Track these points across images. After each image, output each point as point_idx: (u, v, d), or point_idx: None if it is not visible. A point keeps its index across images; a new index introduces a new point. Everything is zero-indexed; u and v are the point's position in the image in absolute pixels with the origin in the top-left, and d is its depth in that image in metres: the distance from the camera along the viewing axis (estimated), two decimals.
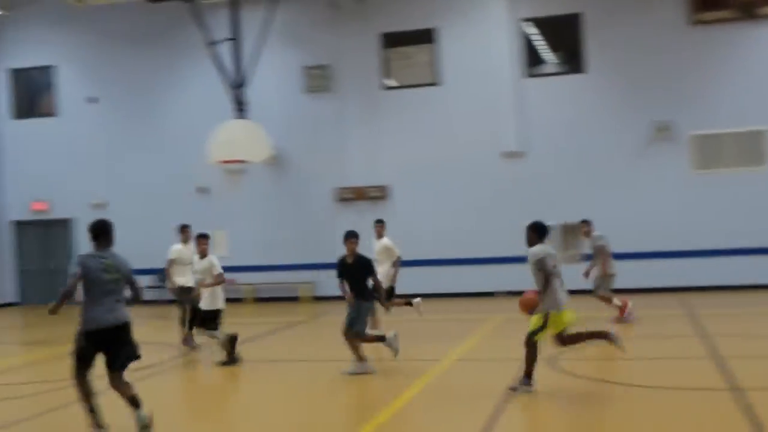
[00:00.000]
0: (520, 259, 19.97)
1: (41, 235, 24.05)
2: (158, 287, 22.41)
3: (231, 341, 12.11)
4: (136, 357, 7.87)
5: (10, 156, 24.15)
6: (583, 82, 20.75)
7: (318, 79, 21.86)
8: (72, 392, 8.14)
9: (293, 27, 21.93)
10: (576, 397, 9.38)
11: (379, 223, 15.13)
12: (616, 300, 15.06)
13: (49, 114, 24.17)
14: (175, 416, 9.52)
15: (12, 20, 23.40)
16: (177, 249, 14.56)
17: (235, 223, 22.13)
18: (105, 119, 23.43)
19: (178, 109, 22.81)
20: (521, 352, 9.47)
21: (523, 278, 18.56)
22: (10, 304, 23.78)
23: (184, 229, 14.83)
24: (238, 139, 19.57)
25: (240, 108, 20.69)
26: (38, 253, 24.08)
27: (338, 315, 18.36)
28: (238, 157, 19.65)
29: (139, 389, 8.08)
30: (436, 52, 21.46)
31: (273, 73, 21.81)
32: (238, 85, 20.72)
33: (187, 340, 13.63)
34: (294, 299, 21.56)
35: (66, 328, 18.94)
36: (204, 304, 12.34)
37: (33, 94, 24.76)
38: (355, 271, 11.24)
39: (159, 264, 22.11)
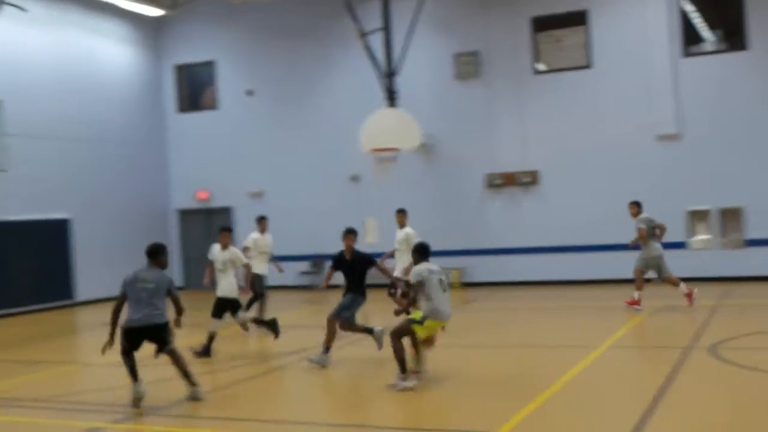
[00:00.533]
0: (679, 245, 19.49)
1: (203, 223, 25.21)
2: (311, 273, 23.09)
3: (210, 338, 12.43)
4: (166, 344, 9.43)
5: (175, 148, 25.42)
6: (744, 60, 19.75)
7: (468, 65, 21.81)
8: (242, 371, 8.43)
9: (443, 14, 21.97)
10: (737, 387, 9.03)
11: (401, 212, 15.05)
12: (636, 294, 15.23)
13: (210, 107, 25.28)
14: (333, 393, 9.78)
15: (176, 19, 24.58)
16: (253, 238, 15.47)
17: (386, 210, 22.34)
18: (261, 111, 24.28)
19: (330, 99, 23.33)
20: (676, 340, 9.18)
21: (682, 264, 18.16)
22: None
23: (261, 220, 15.71)
24: (390, 128, 19.80)
25: (391, 96, 20.95)
26: (201, 240, 25.24)
27: (488, 301, 18.46)
28: (390, 145, 19.87)
29: (297, 370, 8.35)
30: (587, 34, 20.98)
31: (423, 61, 21.94)
32: (389, 74, 20.99)
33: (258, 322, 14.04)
34: None
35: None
36: (222, 292, 12.74)
37: (195, 89, 25.97)
38: (352, 267, 11.39)
39: (311, 250, 22.92)
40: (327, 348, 11.10)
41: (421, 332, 9.65)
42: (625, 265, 20.16)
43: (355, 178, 22.89)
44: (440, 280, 9.70)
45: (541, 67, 21.57)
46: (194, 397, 9.33)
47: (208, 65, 25.15)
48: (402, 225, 14.80)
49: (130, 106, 24.30)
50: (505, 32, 21.42)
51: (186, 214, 25.48)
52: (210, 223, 25.08)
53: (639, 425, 7.53)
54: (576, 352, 11.45)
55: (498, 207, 21.66)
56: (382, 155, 20.20)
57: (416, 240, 13.63)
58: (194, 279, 25.08)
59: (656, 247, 15.38)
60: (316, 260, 23.14)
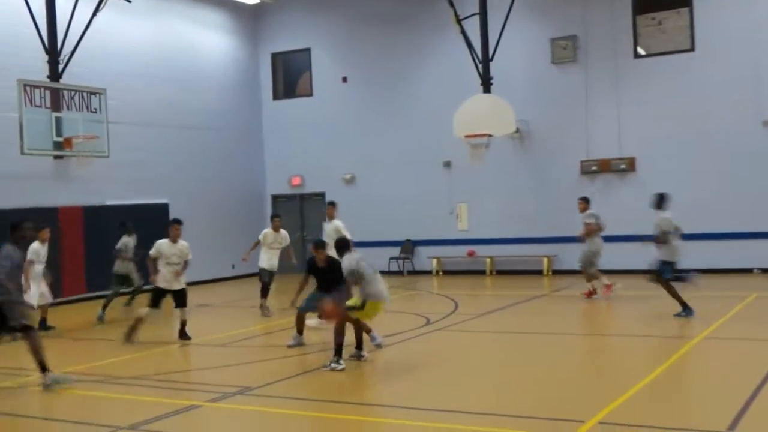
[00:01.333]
0: None
1: (296, 208, 25.52)
2: (402, 258, 23.10)
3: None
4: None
5: (270, 135, 25.78)
6: None
7: (565, 50, 21.39)
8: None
9: None
10: None
11: (331, 205, 15.12)
12: (604, 279, 16.40)
13: (304, 94, 25.52)
14: (419, 377, 9.78)
15: (273, 8, 24.88)
16: (264, 233, 16.28)
17: (478, 196, 22.29)
18: (354, 98, 24.38)
19: (424, 85, 23.25)
20: None
21: None
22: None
23: (274, 218, 16.62)
24: (484, 113, 19.63)
25: (486, 82, 20.76)
26: (293, 224, 25.57)
27: (579, 290, 18.13)
28: (483, 131, 19.71)
29: (392, 352, 8.34)
30: (691, 16, 20.30)
31: (519, 46, 21.64)
32: (484, 60, 20.80)
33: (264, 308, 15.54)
34: (534, 272, 21.39)
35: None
36: (173, 285, 12.93)
37: (291, 76, 26.26)
38: (326, 273, 11.43)
39: (402, 236, 22.87)
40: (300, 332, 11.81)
41: (364, 316, 10.32)
42: (724, 254, 19.64)
43: (447, 165, 22.78)
44: (369, 265, 10.37)
45: (641, 51, 21.00)
46: None
47: (304, 53, 25.38)
48: (331, 218, 14.92)
49: (227, 93, 24.74)
50: (605, 15, 20.93)
51: (279, 200, 25.83)
52: (302, 209, 25.40)
53: (737, 418, 7.27)
54: (671, 343, 11.15)
55: (593, 194, 21.19)
56: (475, 141, 20.05)
57: (345, 233, 14.02)
58: (284, 263, 25.43)
59: (600, 242, 16.40)
60: (407, 246, 23.15)
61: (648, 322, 13.66)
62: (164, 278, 12.88)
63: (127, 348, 12.48)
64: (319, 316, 11.22)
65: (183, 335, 12.92)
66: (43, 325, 14.02)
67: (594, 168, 20.99)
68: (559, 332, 12.70)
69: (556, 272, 21.31)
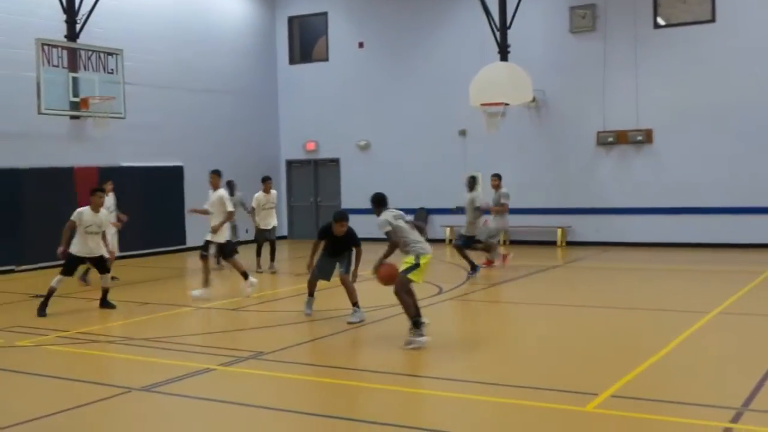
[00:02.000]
0: None
1: (310, 174, 25.51)
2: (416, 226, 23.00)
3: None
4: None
5: (285, 99, 25.69)
6: None
7: (584, 19, 21.16)
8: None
9: None
10: None
11: (215, 173, 15.12)
12: (501, 249, 17.61)
13: (320, 59, 25.38)
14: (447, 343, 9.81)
15: None
16: (256, 197, 17.31)
17: (493, 165, 22.11)
18: (371, 64, 24.23)
19: (440, 52, 23.08)
20: None
21: None
22: (280, 237, 25.52)
23: (266, 181, 17.42)
24: (500, 82, 19.48)
25: (503, 50, 20.59)
26: (306, 190, 25.58)
27: (593, 261, 18.12)
28: (500, 99, 19.57)
29: (404, 320, 8.32)
30: None
31: (537, 14, 21.44)
32: (502, 27, 20.61)
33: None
34: (548, 243, 21.36)
35: None
36: (93, 252, 12.66)
37: (307, 41, 26.11)
38: (340, 240, 11.45)
39: (417, 203, 22.82)
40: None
41: (418, 277, 9.62)
42: (741, 229, 19.55)
43: (462, 133, 22.68)
44: (406, 221, 9.96)
45: (661, 21, 20.75)
46: None
47: (321, 17, 25.20)
48: (215, 187, 14.82)
49: (243, 57, 24.64)
50: None
51: (293, 165, 25.81)
52: (316, 174, 25.38)
53: (752, 394, 7.27)
54: (685, 317, 11.13)
55: (608, 165, 21.13)
56: (491, 110, 19.93)
57: (229, 203, 14.03)
58: (297, 228, 25.56)
59: (508, 220, 17.29)
60: (421, 213, 23.12)
61: (662, 295, 13.64)
62: (83, 246, 12.33)
63: (141, 309, 12.57)
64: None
65: (105, 303, 12.61)
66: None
67: (610, 139, 20.85)
68: (572, 304, 12.70)
69: (570, 243, 21.28)
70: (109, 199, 15.14)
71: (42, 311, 12.07)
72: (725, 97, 19.68)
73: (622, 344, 9.84)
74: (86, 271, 15.19)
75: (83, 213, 12.37)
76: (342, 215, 11.47)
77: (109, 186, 15.29)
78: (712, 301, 12.24)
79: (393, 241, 9.71)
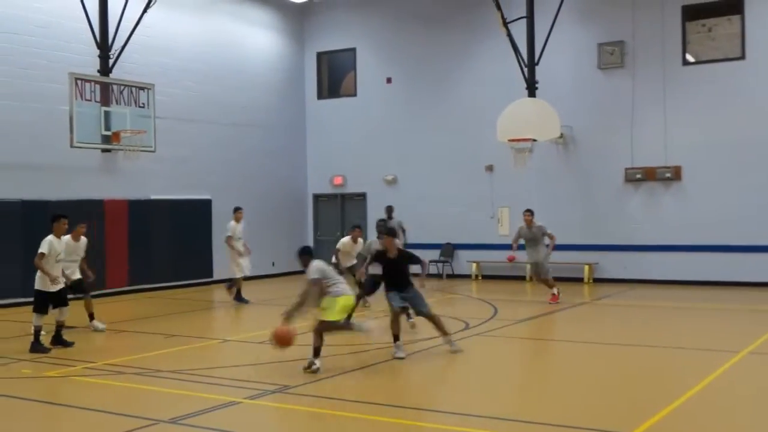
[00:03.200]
0: None
1: (336, 208, 25.59)
2: (442, 262, 23.03)
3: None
4: None
5: (313, 134, 25.87)
6: None
7: (612, 55, 21.18)
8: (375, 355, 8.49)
9: (588, 3, 21.43)
10: None
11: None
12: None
13: (348, 94, 25.58)
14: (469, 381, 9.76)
15: (320, 6, 24.97)
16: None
17: (519, 200, 22.13)
18: (398, 98, 24.37)
19: (468, 87, 23.17)
20: None
21: None
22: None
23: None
24: (528, 117, 19.51)
25: (531, 86, 20.64)
26: (333, 224, 25.65)
27: (621, 299, 17.97)
28: (527, 135, 19.60)
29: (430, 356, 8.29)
30: (742, 24, 19.99)
31: (566, 50, 21.47)
32: (530, 63, 20.68)
33: None
34: (576, 280, 21.22)
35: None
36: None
37: (335, 76, 26.33)
38: (398, 263, 11.53)
39: (443, 239, 22.77)
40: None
41: (337, 316, 10.30)
42: None
43: (489, 168, 22.69)
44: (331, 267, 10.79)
45: (690, 57, 20.73)
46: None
47: (349, 52, 25.43)
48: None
49: (272, 91, 24.89)
50: (654, 21, 20.68)
51: (320, 199, 25.92)
52: (343, 209, 25.47)
53: None
54: (715, 356, 10.99)
55: (636, 202, 21.02)
56: (518, 145, 19.95)
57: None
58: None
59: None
60: (447, 248, 23.09)
61: (691, 334, 13.49)
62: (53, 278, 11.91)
63: (168, 342, 12.62)
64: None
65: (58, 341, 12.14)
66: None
67: (638, 176, 20.76)
68: (599, 341, 12.59)
69: (597, 280, 21.13)
70: (239, 226, 17.39)
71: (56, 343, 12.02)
72: (755, 134, 19.56)
73: (651, 383, 9.72)
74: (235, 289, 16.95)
75: (57, 242, 12.14)
76: (389, 229, 12.08)
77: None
78: (742, 340, 12.08)
79: (309, 291, 10.30)
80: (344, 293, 10.35)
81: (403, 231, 19.60)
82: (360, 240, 16.19)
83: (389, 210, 20.33)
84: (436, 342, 11.96)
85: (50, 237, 12.16)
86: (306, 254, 10.65)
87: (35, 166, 18.04)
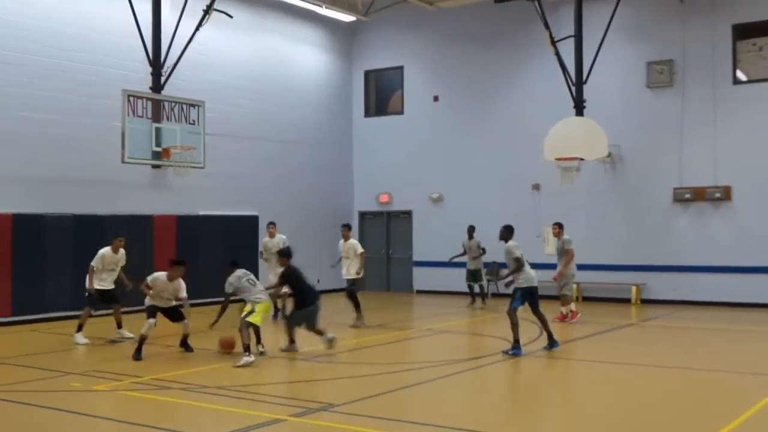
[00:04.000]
0: None
1: (382, 226, 25.66)
2: (488, 280, 22.88)
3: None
4: None
5: (360, 152, 26.01)
6: None
7: (661, 74, 21.00)
8: (414, 375, 8.51)
9: (637, 22, 21.30)
10: None
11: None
12: (572, 305, 17.20)
13: (395, 112, 25.68)
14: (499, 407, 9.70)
15: (368, 25, 25.13)
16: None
17: (566, 219, 21.85)
18: (445, 117, 24.41)
19: (515, 106, 23.13)
20: None
21: None
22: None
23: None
24: (576, 136, 19.42)
25: (579, 105, 20.54)
26: (378, 242, 25.71)
27: (669, 320, 17.72)
28: (575, 154, 19.50)
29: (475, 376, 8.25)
30: None
31: (614, 69, 21.35)
32: (577, 82, 20.59)
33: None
34: (622, 300, 20.98)
35: (402, 314, 20.08)
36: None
37: (382, 94, 26.48)
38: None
39: (489, 257, 22.58)
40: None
41: (255, 319, 12.53)
42: None
43: (536, 187, 22.59)
44: (248, 279, 12.96)
45: (741, 76, 20.47)
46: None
47: (396, 71, 25.55)
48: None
49: (321, 109, 25.10)
50: (704, 40, 20.49)
51: (366, 216, 26.01)
52: (389, 226, 25.52)
53: None
54: (765, 381, 10.78)
55: (685, 222, 20.76)
56: (565, 164, 19.85)
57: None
58: (369, 280, 25.63)
59: (575, 266, 17.43)
60: (493, 267, 22.94)
61: (740, 357, 13.25)
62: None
63: (215, 358, 12.75)
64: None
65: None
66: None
67: (687, 196, 20.51)
68: (646, 363, 12.43)
69: (644, 301, 20.87)
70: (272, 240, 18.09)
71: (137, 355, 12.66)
72: None
73: (699, 408, 9.57)
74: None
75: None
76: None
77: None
78: None
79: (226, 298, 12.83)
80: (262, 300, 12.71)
81: (483, 250, 19.86)
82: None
83: (471, 230, 20.69)
84: (484, 360, 11.92)
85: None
86: (283, 256, 13.41)
87: (87, 181, 18.42)
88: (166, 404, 9.72)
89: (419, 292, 24.47)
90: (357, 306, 16.62)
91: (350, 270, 16.81)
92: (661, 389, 10.66)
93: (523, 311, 13.30)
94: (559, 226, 17.44)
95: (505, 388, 10.28)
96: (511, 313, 13.00)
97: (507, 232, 13.70)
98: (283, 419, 8.78)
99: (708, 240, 20.42)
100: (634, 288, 20.96)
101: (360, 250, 16.83)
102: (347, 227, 17.52)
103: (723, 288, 20.12)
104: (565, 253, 17.02)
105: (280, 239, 18.03)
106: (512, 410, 9.38)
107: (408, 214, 25.06)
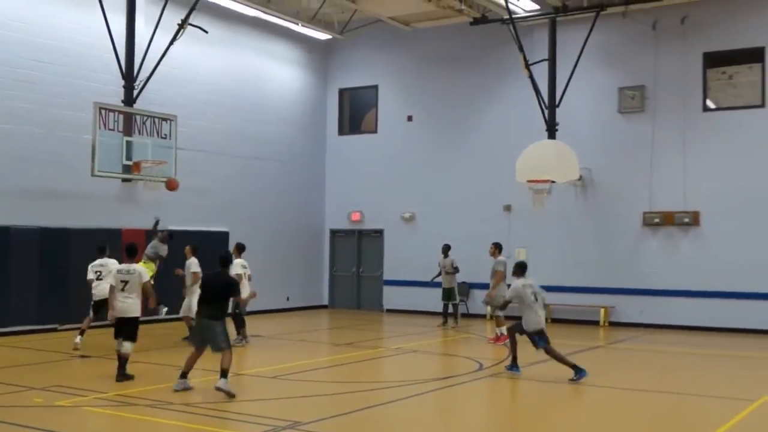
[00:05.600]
0: None
1: (353, 244, 25.61)
2: (459, 301, 22.88)
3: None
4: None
5: (332, 170, 25.97)
6: None
7: (633, 99, 21.23)
8: (378, 395, 8.47)
9: (610, 47, 21.52)
10: None
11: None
12: (503, 328, 15.98)
13: (369, 131, 25.71)
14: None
15: (344, 44, 25.13)
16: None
17: (537, 241, 22.11)
18: (419, 137, 24.47)
19: (488, 127, 23.23)
20: None
21: None
22: (322, 307, 25.57)
23: (237, 247, 17.20)
24: (547, 159, 19.55)
25: (551, 128, 20.70)
26: (349, 261, 25.65)
27: (636, 343, 17.82)
28: (547, 176, 19.63)
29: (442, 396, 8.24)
30: (762, 72, 19.99)
31: (586, 93, 21.54)
32: (550, 105, 20.75)
33: None
34: (591, 323, 21.07)
35: (371, 333, 20.03)
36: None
37: (357, 112, 26.50)
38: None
39: (460, 277, 22.66)
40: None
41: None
42: None
43: (507, 208, 22.68)
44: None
45: (711, 104, 20.74)
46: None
47: (371, 90, 25.60)
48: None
49: (294, 126, 25.06)
50: (675, 67, 20.76)
51: (337, 234, 25.95)
52: (360, 245, 25.47)
53: None
54: (731, 404, 10.87)
55: (654, 246, 20.92)
56: (537, 186, 19.96)
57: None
58: (338, 298, 25.59)
59: (505, 287, 16.60)
60: (463, 287, 22.98)
61: (707, 381, 13.34)
62: None
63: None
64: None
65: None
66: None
67: (656, 220, 20.69)
68: (612, 386, 12.47)
69: (613, 324, 20.98)
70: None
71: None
72: None
73: (665, 430, 9.60)
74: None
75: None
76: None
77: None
78: (759, 388, 11.95)
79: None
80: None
81: (456, 269, 19.85)
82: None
83: (446, 248, 20.58)
84: (452, 381, 11.91)
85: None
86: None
87: (56, 193, 18.22)
88: (129, 421, 9.59)
89: (389, 311, 24.42)
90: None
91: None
92: (624, 412, 10.70)
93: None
94: (495, 246, 17.51)
95: (472, 410, 10.24)
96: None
97: (517, 269, 13.34)
98: None
99: (676, 264, 20.60)
100: (602, 310, 21.06)
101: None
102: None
103: (690, 312, 20.28)
104: (494, 273, 17.07)
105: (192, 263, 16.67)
106: (473, 429, 9.36)
107: (379, 232, 25.04)
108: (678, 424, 9.95)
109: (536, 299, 12.68)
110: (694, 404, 11.23)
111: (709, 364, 15.48)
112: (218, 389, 10.66)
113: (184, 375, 11.20)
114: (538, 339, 12.63)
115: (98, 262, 15.03)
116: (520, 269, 13.22)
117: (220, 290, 11.34)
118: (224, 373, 10.76)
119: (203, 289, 11.52)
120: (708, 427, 9.39)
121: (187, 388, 11.11)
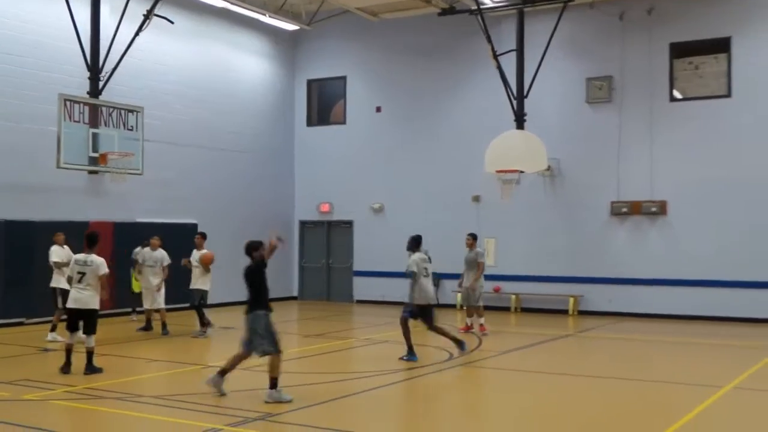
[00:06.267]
0: None
1: (322, 235, 25.57)
2: None
3: None
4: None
5: (301, 161, 25.88)
6: None
7: (600, 90, 21.36)
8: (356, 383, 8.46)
9: (577, 38, 21.64)
10: None
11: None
12: (482, 319, 16.75)
13: (338, 122, 25.65)
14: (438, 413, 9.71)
15: (311, 35, 25.03)
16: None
17: (506, 231, 22.22)
18: (387, 128, 24.46)
19: (457, 118, 23.29)
20: None
21: None
22: (292, 298, 25.52)
23: (199, 236, 17.10)
24: (516, 149, 19.64)
25: (519, 118, 20.78)
26: (319, 252, 25.61)
27: (605, 332, 17.99)
28: (515, 167, 19.73)
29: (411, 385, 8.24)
30: (728, 62, 20.22)
31: (554, 83, 21.65)
32: (519, 96, 20.83)
33: None
34: (560, 312, 21.23)
35: (341, 324, 20.04)
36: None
37: (325, 103, 26.42)
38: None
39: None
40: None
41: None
42: (755, 303, 19.41)
43: (476, 199, 22.75)
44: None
45: (677, 94, 20.93)
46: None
47: (339, 81, 25.52)
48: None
49: (262, 117, 24.93)
50: (642, 57, 20.92)
51: (307, 225, 25.88)
52: (329, 236, 25.43)
53: None
54: (698, 391, 11.00)
55: (622, 236, 21.11)
56: (506, 177, 20.05)
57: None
58: (308, 289, 25.56)
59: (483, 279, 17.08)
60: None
61: (674, 368, 13.49)
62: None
63: (150, 366, 12.51)
64: None
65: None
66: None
67: (624, 210, 20.87)
68: (581, 374, 12.57)
69: (582, 313, 21.16)
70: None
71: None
72: (740, 171, 19.72)
73: (630, 417, 9.69)
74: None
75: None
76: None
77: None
78: (726, 375, 12.10)
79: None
80: None
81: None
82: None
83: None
84: (422, 371, 11.93)
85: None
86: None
87: (21, 186, 17.97)
88: (98, 414, 9.50)
89: (359, 301, 24.42)
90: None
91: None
92: (592, 399, 10.79)
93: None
94: (472, 237, 17.38)
95: (436, 398, 10.25)
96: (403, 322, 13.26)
97: (413, 243, 13.77)
98: (219, 428, 8.64)
99: (644, 253, 20.79)
100: (571, 299, 21.22)
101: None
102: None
103: (657, 300, 20.50)
104: (476, 265, 16.88)
105: (162, 255, 17.05)
106: (450, 420, 9.38)
107: (349, 224, 25.01)
108: (646, 411, 10.04)
109: (427, 274, 13.35)
110: (661, 391, 11.35)
111: (677, 352, 15.65)
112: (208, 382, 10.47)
113: (273, 384, 10.18)
114: (422, 312, 13.16)
115: (81, 257, 14.39)
116: (416, 243, 13.73)
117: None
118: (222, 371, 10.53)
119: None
120: (676, 414, 9.50)
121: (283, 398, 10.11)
